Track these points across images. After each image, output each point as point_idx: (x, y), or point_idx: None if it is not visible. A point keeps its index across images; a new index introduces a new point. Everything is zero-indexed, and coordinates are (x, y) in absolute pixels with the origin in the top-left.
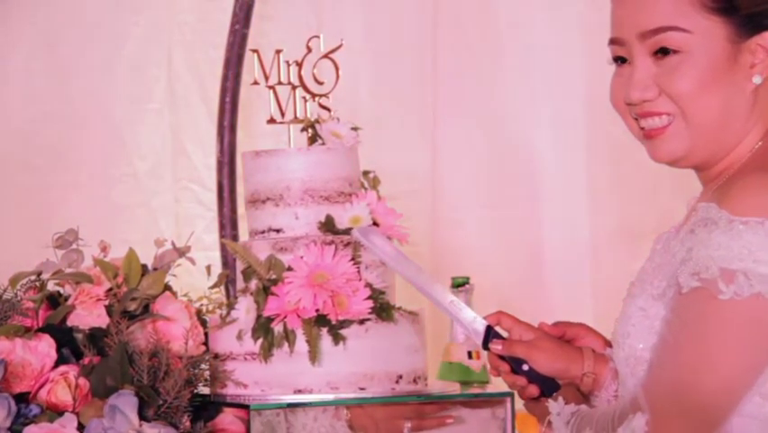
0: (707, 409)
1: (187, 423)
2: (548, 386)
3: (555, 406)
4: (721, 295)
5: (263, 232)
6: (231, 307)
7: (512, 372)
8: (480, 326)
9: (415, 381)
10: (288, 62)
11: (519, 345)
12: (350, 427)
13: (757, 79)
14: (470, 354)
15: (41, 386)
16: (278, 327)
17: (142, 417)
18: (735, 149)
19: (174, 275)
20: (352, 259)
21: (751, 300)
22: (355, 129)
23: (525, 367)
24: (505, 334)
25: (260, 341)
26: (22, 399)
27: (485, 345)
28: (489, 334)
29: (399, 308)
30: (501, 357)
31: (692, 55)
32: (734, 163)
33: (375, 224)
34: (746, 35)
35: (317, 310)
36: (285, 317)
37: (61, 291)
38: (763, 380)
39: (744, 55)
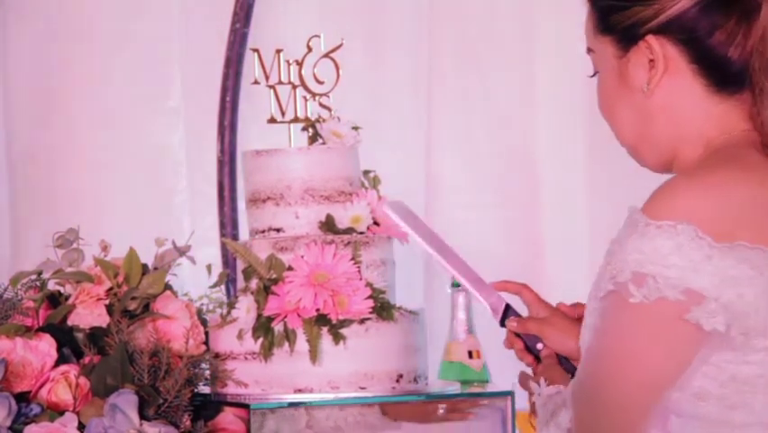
0: (621, 410)
1: (188, 422)
2: (562, 366)
3: (536, 387)
4: (632, 298)
5: (264, 231)
6: (231, 306)
7: (527, 350)
8: (499, 303)
9: (415, 380)
10: (288, 61)
11: (533, 322)
12: (383, 414)
13: (645, 87)
14: (470, 354)
15: (42, 385)
16: (278, 327)
17: (143, 416)
18: (680, 153)
19: (174, 274)
20: (353, 258)
21: (658, 304)
22: (356, 128)
23: (540, 346)
24: (524, 313)
25: (260, 340)
26: (23, 398)
27: (502, 323)
28: (508, 311)
29: (400, 308)
30: (517, 335)
31: (600, 75)
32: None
33: (375, 223)
34: (626, 49)
35: (318, 310)
36: (285, 317)
37: (62, 291)
38: (686, 380)
39: (629, 68)
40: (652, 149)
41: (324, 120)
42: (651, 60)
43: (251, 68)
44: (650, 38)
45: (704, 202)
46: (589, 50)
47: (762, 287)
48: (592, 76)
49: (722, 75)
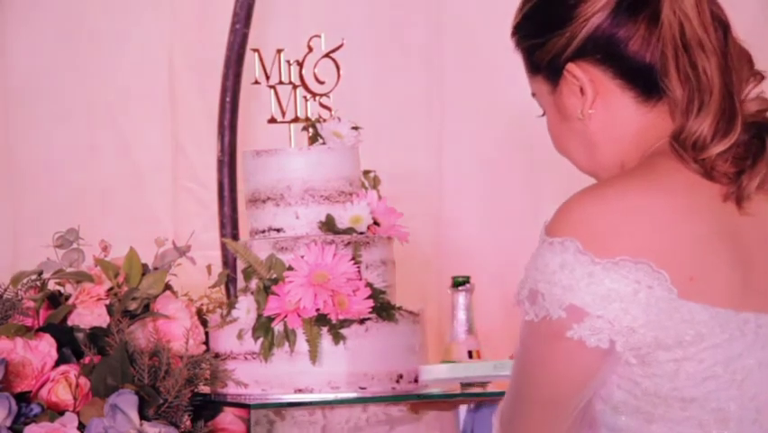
0: (526, 424)
1: (188, 422)
2: None
3: None
4: (526, 316)
5: (264, 231)
6: (231, 306)
7: None
8: None
9: (415, 380)
10: (288, 62)
11: None
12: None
13: (580, 115)
14: (470, 354)
15: (42, 385)
16: (278, 327)
17: (143, 416)
18: (625, 168)
19: (174, 274)
20: (353, 258)
21: (543, 322)
22: (356, 128)
23: None
24: None
25: (260, 340)
26: (23, 398)
27: None
28: None
29: (400, 308)
30: None
31: (546, 114)
32: None
33: (376, 223)
34: (555, 83)
35: (318, 310)
36: (285, 317)
37: (62, 291)
38: (608, 393)
39: (563, 100)
40: (605, 170)
41: (324, 120)
42: (581, 88)
43: (251, 68)
44: (570, 66)
45: (589, 217)
46: (533, 94)
47: (648, 302)
48: (541, 116)
49: (646, 83)
